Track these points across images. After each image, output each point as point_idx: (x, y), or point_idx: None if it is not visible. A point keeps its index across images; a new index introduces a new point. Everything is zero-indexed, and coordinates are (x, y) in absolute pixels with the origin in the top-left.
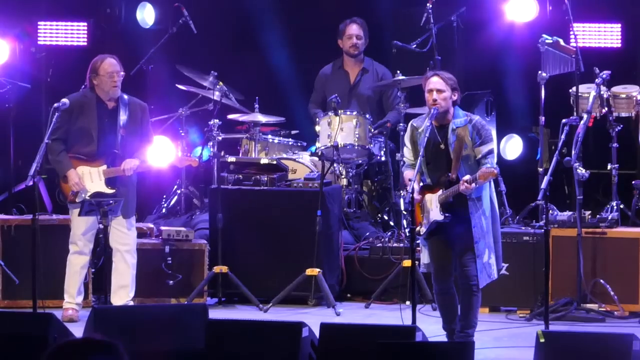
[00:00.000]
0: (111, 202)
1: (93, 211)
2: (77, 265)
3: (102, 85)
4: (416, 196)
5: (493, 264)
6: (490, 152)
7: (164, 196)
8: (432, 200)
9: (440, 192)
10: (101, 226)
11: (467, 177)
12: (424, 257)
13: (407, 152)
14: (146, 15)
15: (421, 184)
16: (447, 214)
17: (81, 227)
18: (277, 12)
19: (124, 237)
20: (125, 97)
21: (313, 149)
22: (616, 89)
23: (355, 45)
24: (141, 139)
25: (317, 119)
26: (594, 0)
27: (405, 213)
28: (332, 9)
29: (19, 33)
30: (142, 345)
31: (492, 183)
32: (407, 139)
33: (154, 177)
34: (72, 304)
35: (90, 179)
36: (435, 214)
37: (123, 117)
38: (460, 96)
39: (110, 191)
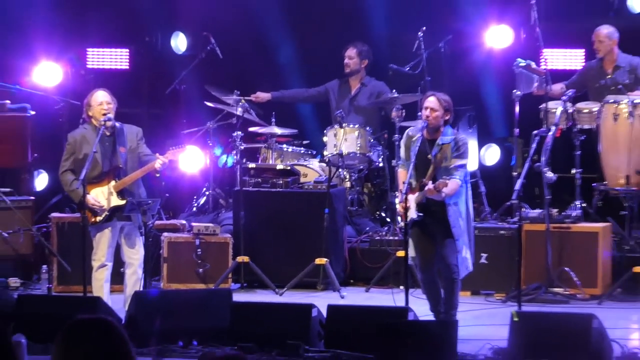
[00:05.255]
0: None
1: (134, 210)
2: (101, 280)
3: (96, 115)
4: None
5: (469, 257)
6: (461, 166)
7: (195, 197)
8: (411, 200)
9: (417, 194)
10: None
11: (430, 185)
12: (411, 251)
13: (402, 153)
14: (179, 43)
15: (406, 185)
16: (420, 214)
17: (105, 244)
18: (289, 40)
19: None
20: (118, 124)
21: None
22: (580, 104)
23: (347, 65)
24: (141, 161)
25: (325, 130)
26: (561, 29)
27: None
28: (336, 37)
29: (71, 58)
30: (176, 324)
31: (470, 190)
32: (402, 143)
33: (187, 181)
34: None
35: (104, 197)
36: (412, 212)
37: (121, 140)
38: (452, 117)
39: (122, 202)
